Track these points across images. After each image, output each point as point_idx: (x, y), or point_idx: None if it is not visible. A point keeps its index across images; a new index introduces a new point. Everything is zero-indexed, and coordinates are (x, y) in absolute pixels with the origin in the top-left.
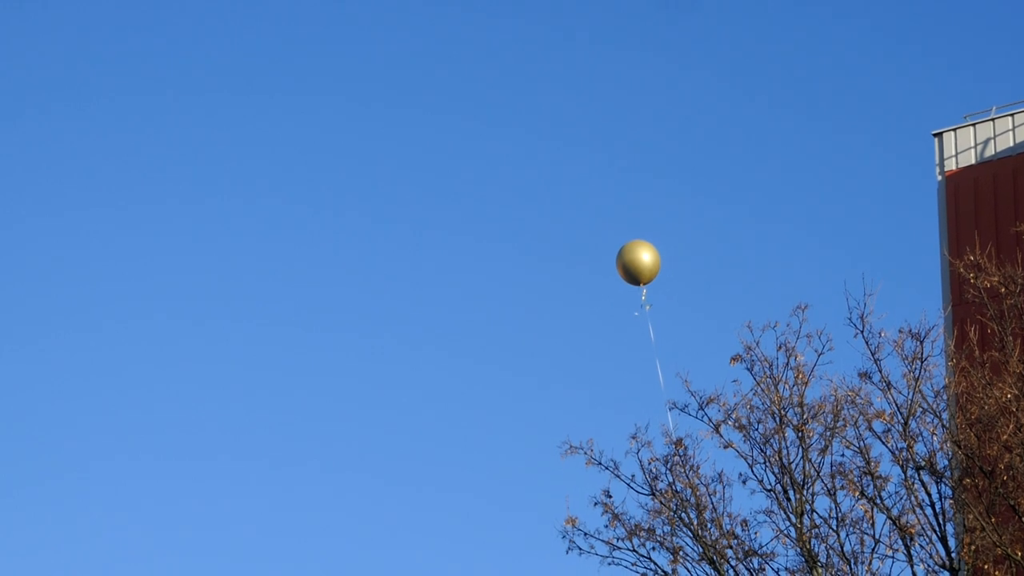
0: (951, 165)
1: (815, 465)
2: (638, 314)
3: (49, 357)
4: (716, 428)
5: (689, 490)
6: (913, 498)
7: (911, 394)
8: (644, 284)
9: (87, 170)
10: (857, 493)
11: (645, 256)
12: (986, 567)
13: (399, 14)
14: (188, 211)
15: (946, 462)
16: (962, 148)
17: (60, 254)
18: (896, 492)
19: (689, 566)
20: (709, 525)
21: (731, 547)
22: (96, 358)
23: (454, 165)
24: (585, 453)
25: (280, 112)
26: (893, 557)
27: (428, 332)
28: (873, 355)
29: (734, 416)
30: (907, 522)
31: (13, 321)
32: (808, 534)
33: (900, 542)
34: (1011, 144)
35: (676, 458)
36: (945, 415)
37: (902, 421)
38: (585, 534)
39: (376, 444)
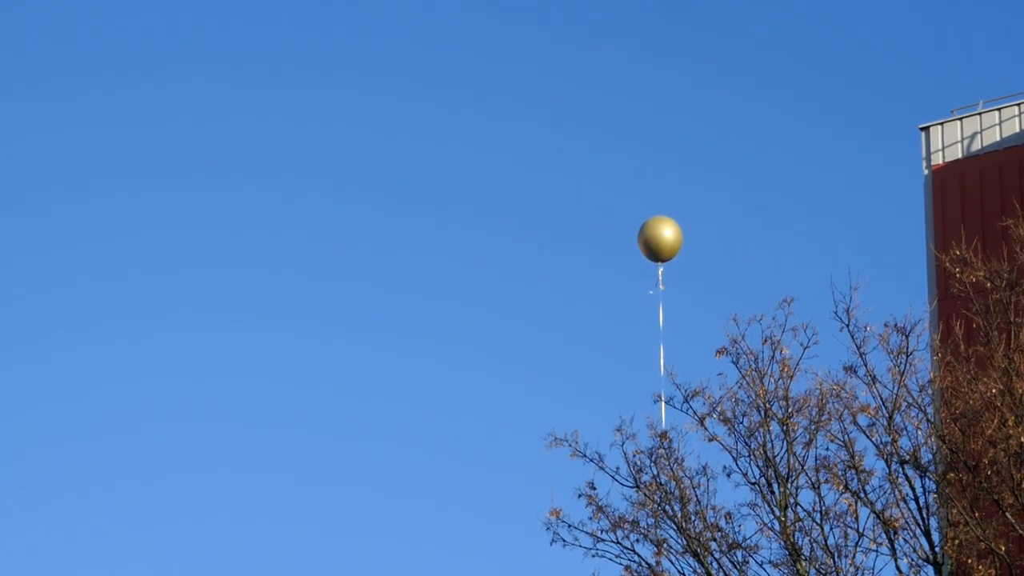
0: (938, 159)
1: (799, 459)
2: (652, 292)
3: (49, 357)
4: (701, 421)
5: (673, 483)
6: (897, 492)
7: (896, 388)
8: (663, 262)
9: (86, 169)
10: (841, 487)
11: (667, 233)
12: (969, 561)
13: (411, 10)
14: (189, 209)
15: (930, 456)
16: (949, 142)
17: (59, 253)
18: (880, 486)
19: (673, 558)
20: (693, 518)
21: (715, 540)
22: (96, 358)
23: (436, 155)
24: (570, 445)
25: (283, 108)
26: (877, 551)
27: (417, 324)
28: (858, 349)
29: (719, 409)
30: (891, 516)
31: (12, 321)
32: (792, 527)
33: (884, 536)
34: (998, 138)
35: (661, 451)
36: (930, 410)
37: (887, 415)
38: (569, 526)
39: (365, 436)
